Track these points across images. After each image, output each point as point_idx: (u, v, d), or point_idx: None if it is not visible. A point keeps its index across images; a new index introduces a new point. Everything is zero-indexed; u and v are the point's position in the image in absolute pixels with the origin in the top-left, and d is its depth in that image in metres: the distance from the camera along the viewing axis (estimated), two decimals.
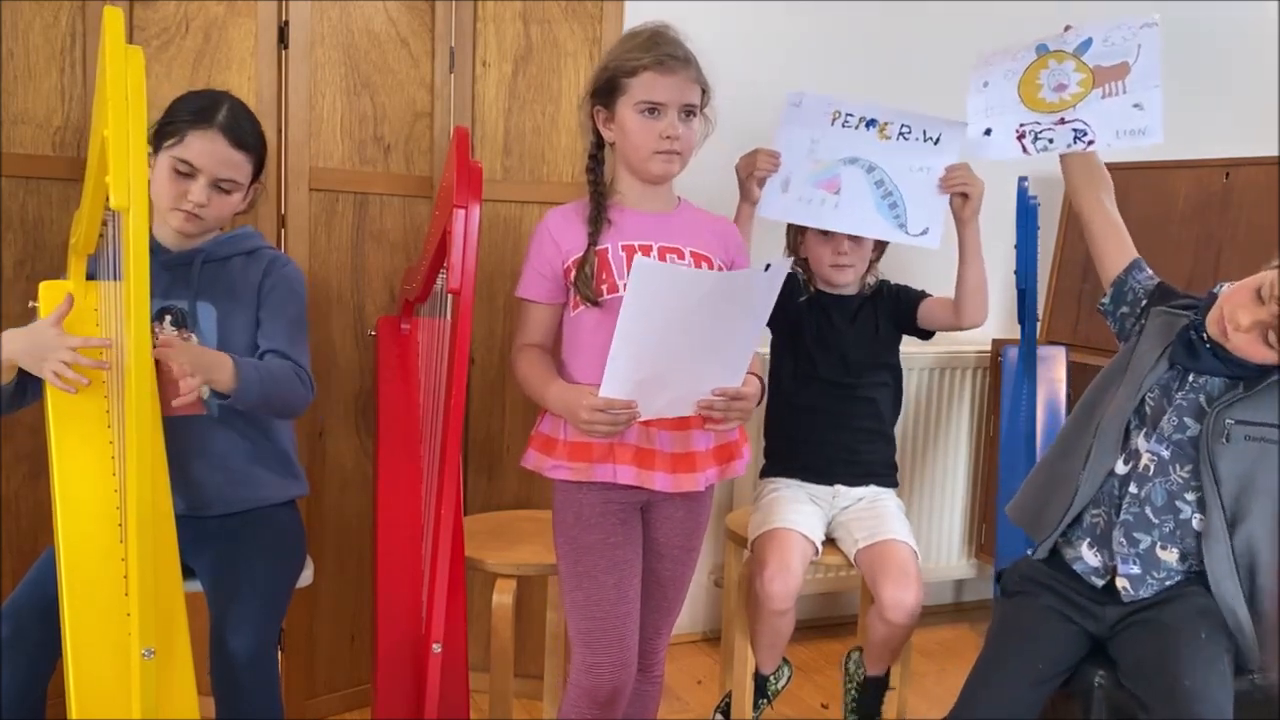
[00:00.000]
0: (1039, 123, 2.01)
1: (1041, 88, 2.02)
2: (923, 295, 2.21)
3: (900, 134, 2.05)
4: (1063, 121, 2.00)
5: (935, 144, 2.05)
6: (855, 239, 2.14)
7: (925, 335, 2.23)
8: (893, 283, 2.25)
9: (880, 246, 2.22)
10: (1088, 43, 2.00)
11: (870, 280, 2.23)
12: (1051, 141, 2.00)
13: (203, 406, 1.76)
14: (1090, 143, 1.98)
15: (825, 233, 2.14)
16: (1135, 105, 1.95)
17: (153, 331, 1.78)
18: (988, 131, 2.06)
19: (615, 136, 1.80)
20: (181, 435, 1.76)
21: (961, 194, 2.05)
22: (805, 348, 2.19)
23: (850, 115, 2.06)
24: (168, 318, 1.82)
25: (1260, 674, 1.69)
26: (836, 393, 2.18)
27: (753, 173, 2.06)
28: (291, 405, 1.83)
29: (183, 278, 1.83)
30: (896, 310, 2.20)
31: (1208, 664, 1.62)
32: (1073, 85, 2.00)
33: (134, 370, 1.32)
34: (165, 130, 1.77)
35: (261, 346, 1.84)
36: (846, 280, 2.18)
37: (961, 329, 2.14)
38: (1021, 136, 2.03)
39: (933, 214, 2.05)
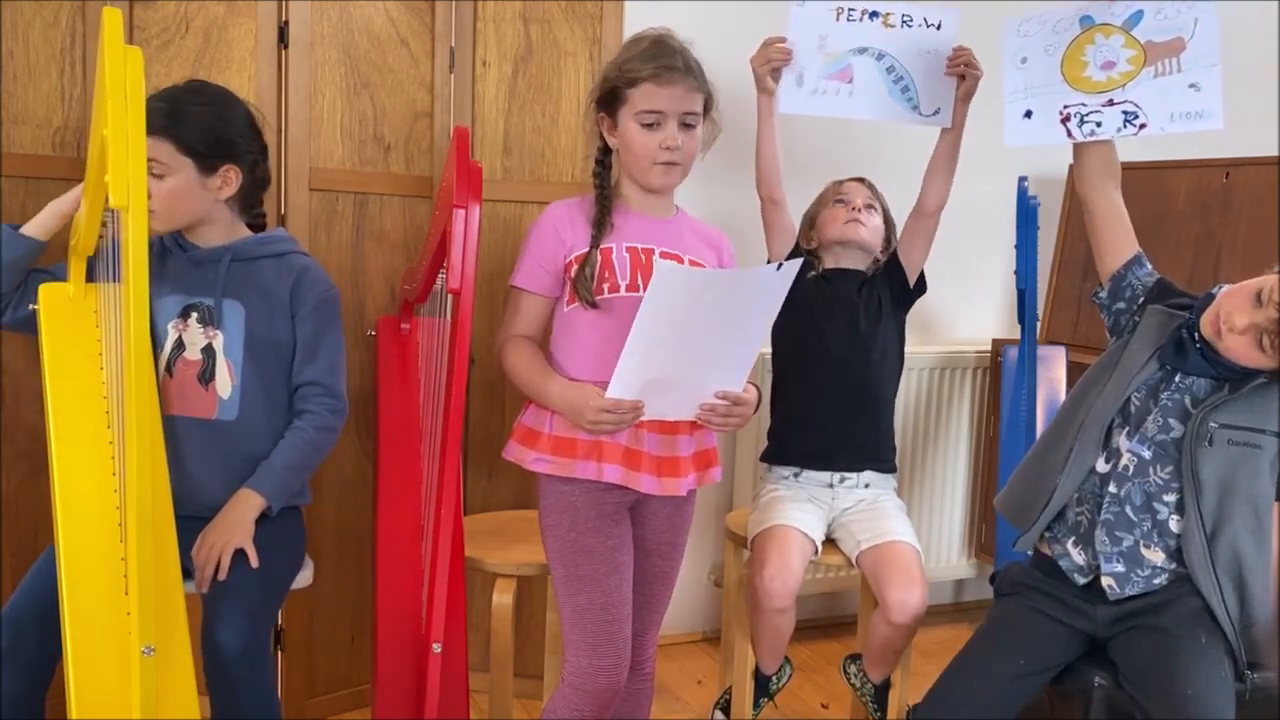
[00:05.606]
0: (1085, 104, 1.86)
1: (1087, 65, 1.86)
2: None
3: (903, 22, 2.09)
4: (1112, 103, 1.85)
5: (937, 29, 2.10)
6: (869, 205, 2.24)
7: (920, 290, 2.24)
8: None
9: (888, 237, 2.28)
10: (1138, 15, 1.85)
11: (878, 260, 2.28)
12: (1100, 125, 1.86)
13: (214, 411, 1.80)
14: (1142, 126, 1.83)
15: (842, 200, 2.24)
16: (1191, 85, 1.80)
17: (178, 329, 1.81)
18: (1028, 114, 1.92)
19: (618, 144, 1.81)
20: (196, 437, 1.78)
21: (962, 75, 2.08)
22: (812, 317, 2.21)
23: (853, 10, 2.09)
24: (194, 314, 1.82)
25: (1259, 674, 1.69)
26: (842, 368, 2.19)
27: (766, 64, 2.09)
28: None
29: (210, 275, 1.84)
30: (891, 271, 2.23)
31: (1209, 671, 1.61)
32: (1122, 63, 1.84)
33: (133, 371, 1.32)
34: None
35: (303, 376, 1.88)
36: (859, 236, 2.23)
37: (929, 216, 2.14)
38: (1066, 119, 1.88)
39: (944, 95, 2.11)
